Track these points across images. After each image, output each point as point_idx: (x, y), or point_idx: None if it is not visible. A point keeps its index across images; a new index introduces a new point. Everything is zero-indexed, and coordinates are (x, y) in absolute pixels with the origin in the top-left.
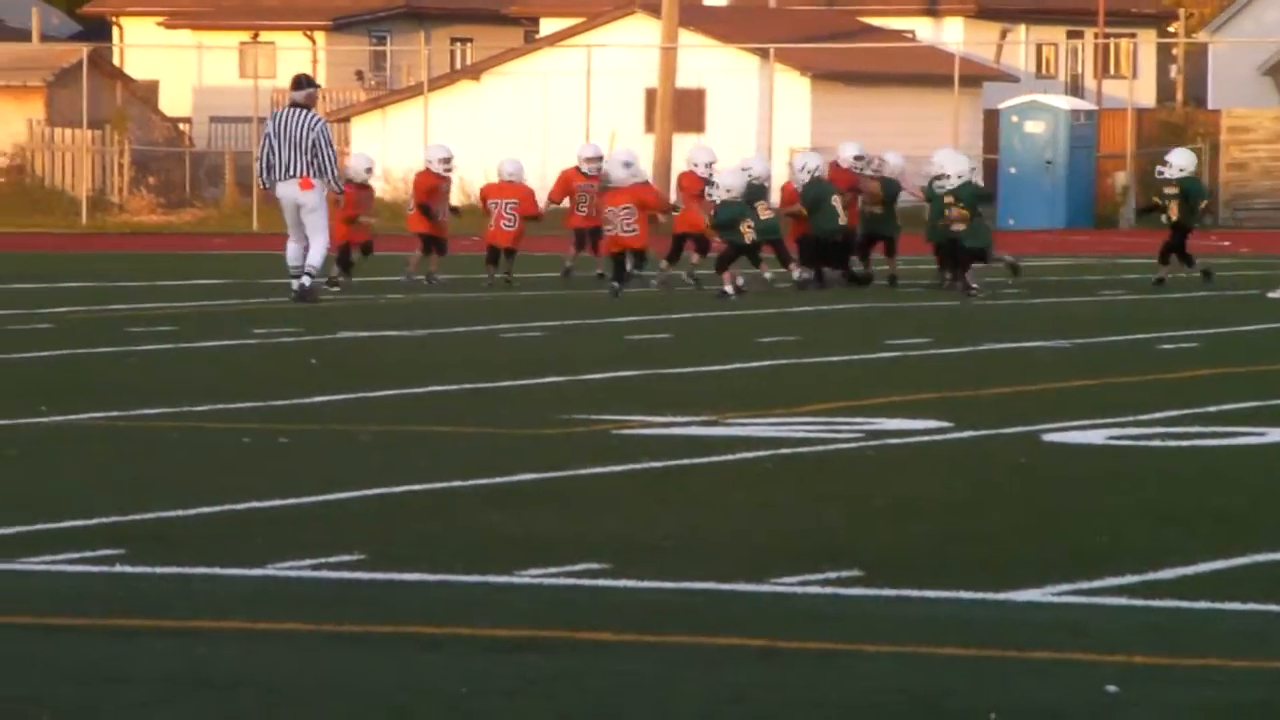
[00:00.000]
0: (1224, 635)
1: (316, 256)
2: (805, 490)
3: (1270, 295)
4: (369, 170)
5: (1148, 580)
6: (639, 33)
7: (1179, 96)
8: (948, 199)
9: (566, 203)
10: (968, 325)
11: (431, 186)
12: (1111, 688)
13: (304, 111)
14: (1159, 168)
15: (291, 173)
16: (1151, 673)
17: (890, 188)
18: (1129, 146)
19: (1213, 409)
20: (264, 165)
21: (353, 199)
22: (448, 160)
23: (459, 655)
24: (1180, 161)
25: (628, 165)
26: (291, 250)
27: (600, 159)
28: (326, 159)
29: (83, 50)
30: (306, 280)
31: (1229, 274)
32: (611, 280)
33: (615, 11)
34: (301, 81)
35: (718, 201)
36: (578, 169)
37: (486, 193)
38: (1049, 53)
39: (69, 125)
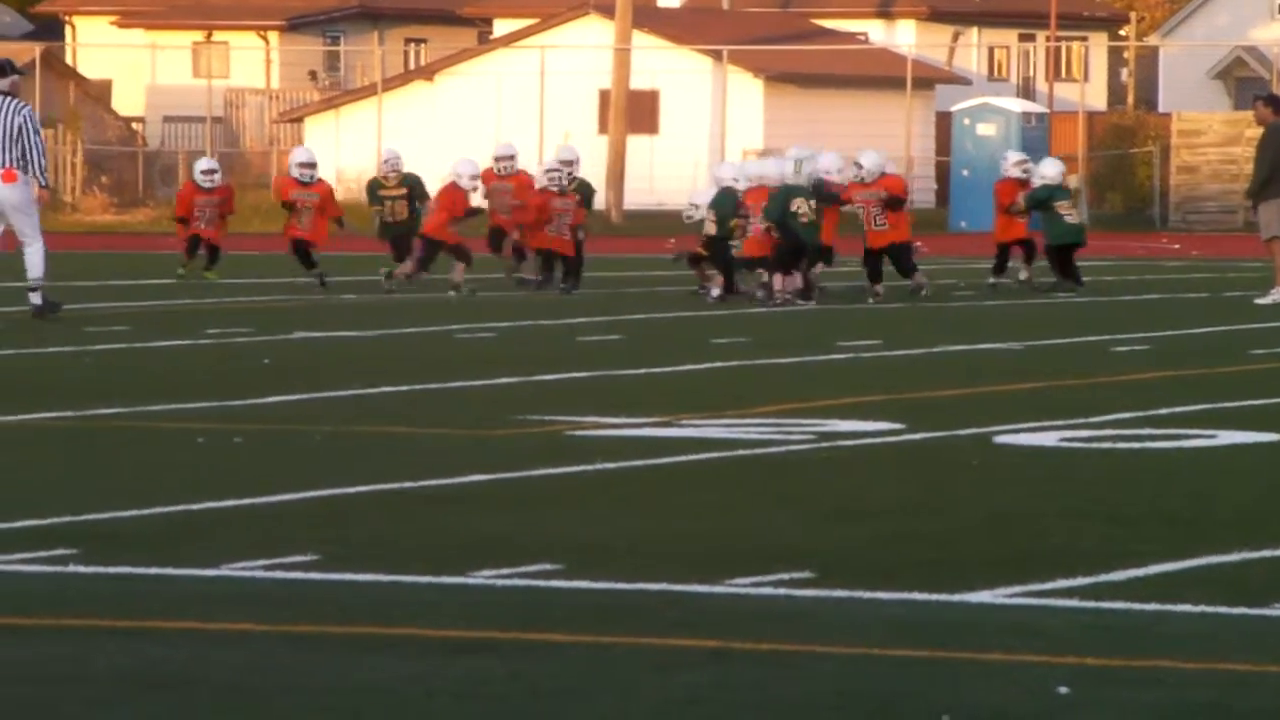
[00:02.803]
0: (1174, 637)
1: (36, 265)
2: (758, 492)
3: (1258, 301)
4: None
5: (1099, 582)
6: (593, 34)
7: (1130, 100)
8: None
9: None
10: (919, 327)
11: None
12: (1063, 689)
13: (7, 99)
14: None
15: None
16: (1102, 674)
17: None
18: (1080, 149)
19: (1164, 411)
20: None
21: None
22: (476, 177)
23: (412, 656)
24: (1049, 171)
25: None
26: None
27: (513, 158)
28: (33, 148)
29: (35, 49)
30: (37, 298)
31: (1180, 277)
32: (560, 280)
33: (569, 13)
34: (4, 68)
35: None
36: (493, 169)
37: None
38: (1001, 55)
39: None
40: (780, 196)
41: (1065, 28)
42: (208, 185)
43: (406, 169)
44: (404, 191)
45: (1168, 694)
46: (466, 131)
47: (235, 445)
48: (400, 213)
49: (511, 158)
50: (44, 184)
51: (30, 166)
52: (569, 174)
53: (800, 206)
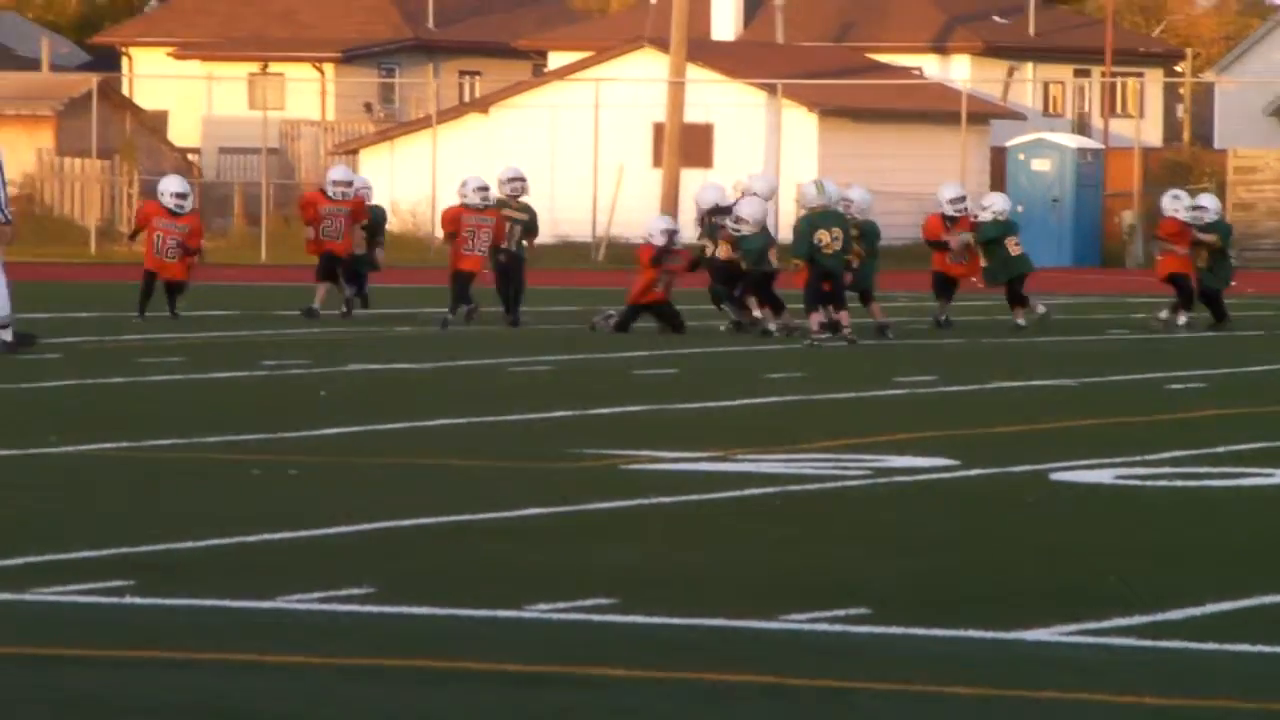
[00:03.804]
0: (1232, 677)
1: (2, 302)
2: (813, 527)
3: None
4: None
5: (1155, 621)
6: (647, 67)
7: (1185, 136)
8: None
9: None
10: (975, 363)
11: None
12: None
13: None
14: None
15: None
16: (1159, 713)
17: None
18: (1135, 185)
19: (1221, 449)
20: None
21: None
22: (485, 189)
23: (468, 689)
24: (1000, 206)
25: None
26: None
27: (486, 189)
28: None
29: (92, 80)
30: (8, 335)
31: (1236, 315)
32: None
33: (624, 46)
34: None
35: (741, 233)
36: (463, 204)
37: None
38: (1056, 91)
39: (78, 155)
40: (803, 229)
41: (1121, 63)
42: (174, 208)
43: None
44: (364, 220)
45: None
46: (521, 164)
47: (290, 477)
48: (354, 240)
49: (486, 188)
50: (6, 219)
51: None
52: (487, 198)
53: (824, 237)
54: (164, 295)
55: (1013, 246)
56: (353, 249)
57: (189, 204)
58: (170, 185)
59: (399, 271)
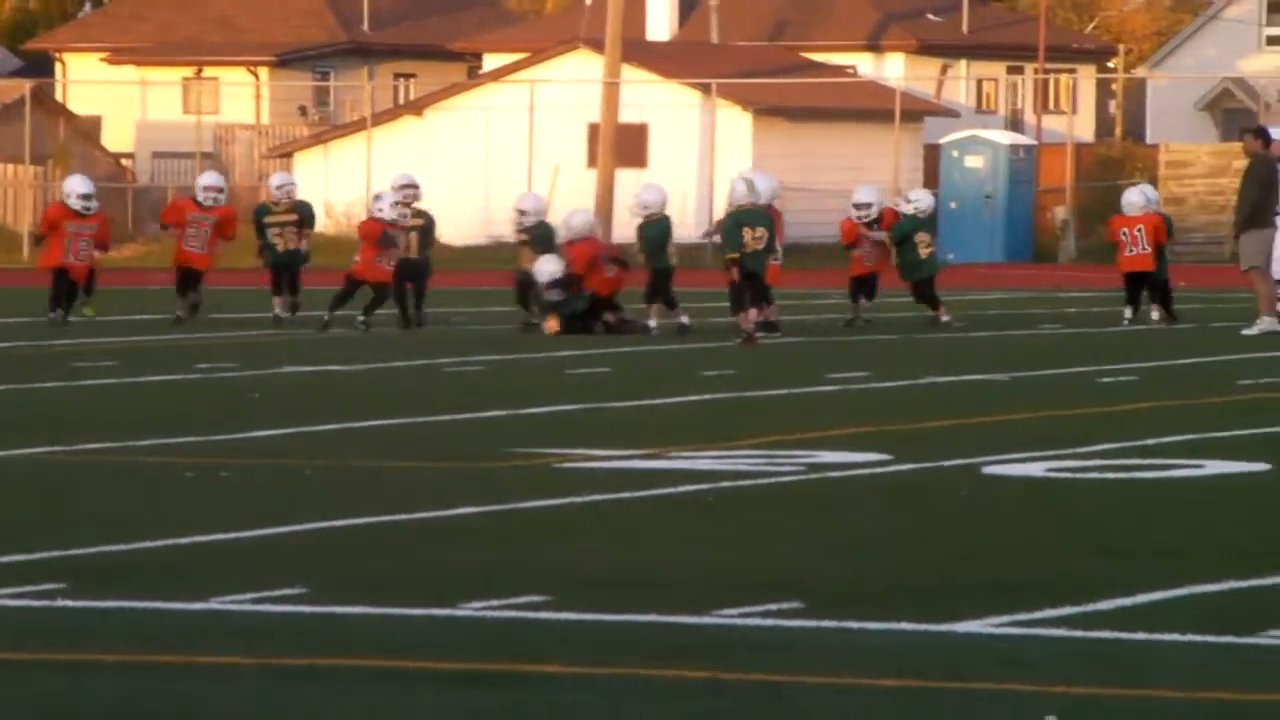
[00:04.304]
0: (1162, 666)
1: None
2: (747, 523)
3: (1245, 332)
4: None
5: (1087, 611)
6: (582, 68)
7: (1118, 131)
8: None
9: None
10: (907, 359)
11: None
12: (1051, 718)
13: None
14: (902, 205)
15: None
16: (1091, 703)
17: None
18: (1068, 181)
19: (1151, 441)
20: None
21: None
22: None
23: (403, 689)
24: (924, 203)
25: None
26: None
27: (221, 190)
28: None
29: (25, 86)
30: None
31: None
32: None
33: (558, 47)
34: None
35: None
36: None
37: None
38: (989, 88)
39: (11, 161)
40: (730, 226)
41: (1053, 60)
42: (82, 209)
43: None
44: (294, 218)
45: None
46: (456, 166)
47: (223, 479)
48: (289, 241)
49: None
50: None
51: None
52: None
53: (747, 235)
54: (66, 295)
55: (922, 247)
56: (212, 263)
57: (95, 204)
58: (75, 186)
59: (333, 274)
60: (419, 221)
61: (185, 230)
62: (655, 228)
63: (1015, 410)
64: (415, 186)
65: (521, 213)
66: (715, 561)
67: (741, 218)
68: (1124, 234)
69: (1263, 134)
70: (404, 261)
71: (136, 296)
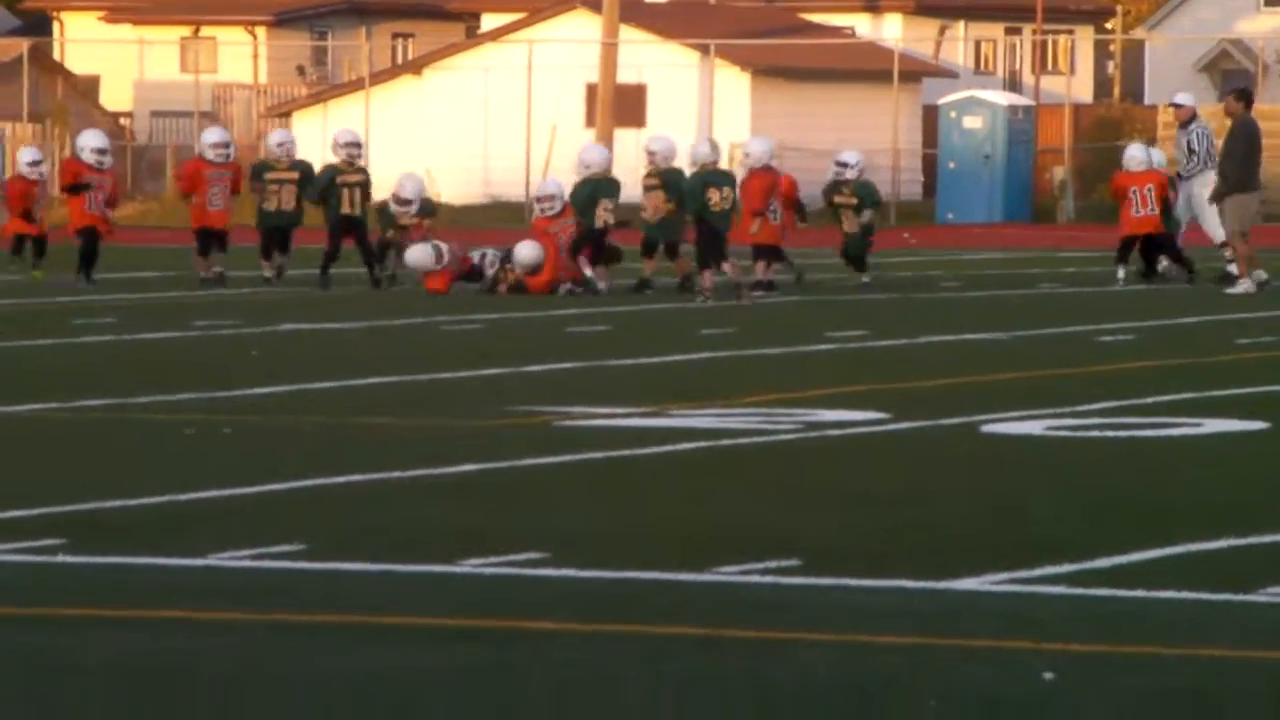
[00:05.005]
0: (1159, 623)
1: None
2: (746, 481)
3: (1228, 291)
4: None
5: (1084, 569)
6: (580, 28)
7: (1116, 92)
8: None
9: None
10: (906, 318)
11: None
12: (1048, 675)
13: None
14: (837, 169)
15: None
16: (1088, 660)
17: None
18: (1066, 142)
19: (1150, 400)
20: None
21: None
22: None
23: (401, 645)
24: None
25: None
26: None
27: (227, 145)
28: None
29: (23, 45)
30: None
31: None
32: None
33: (556, 7)
34: None
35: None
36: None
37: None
38: (987, 49)
39: (9, 119)
40: (697, 186)
41: (1051, 21)
42: (33, 176)
43: (395, 163)
44: (294, 176)
45: (1151, 680)
46: (454, 125)
47: (223, 436)
48: (286, 200)
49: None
50: None
51: None
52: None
53: (714, 195)
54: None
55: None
56: (228, 221)
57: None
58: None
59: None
60: (360, 178)
61: (208, 191)
62: (587, 187)
63: (1014, 369)
64: (359, 145)
65: (651, 153)
66: (713, 519)
67: (708, 177)
68: (1134, 193)
69: (1245, 95)
70: (345, 219)
71: (137, 255)
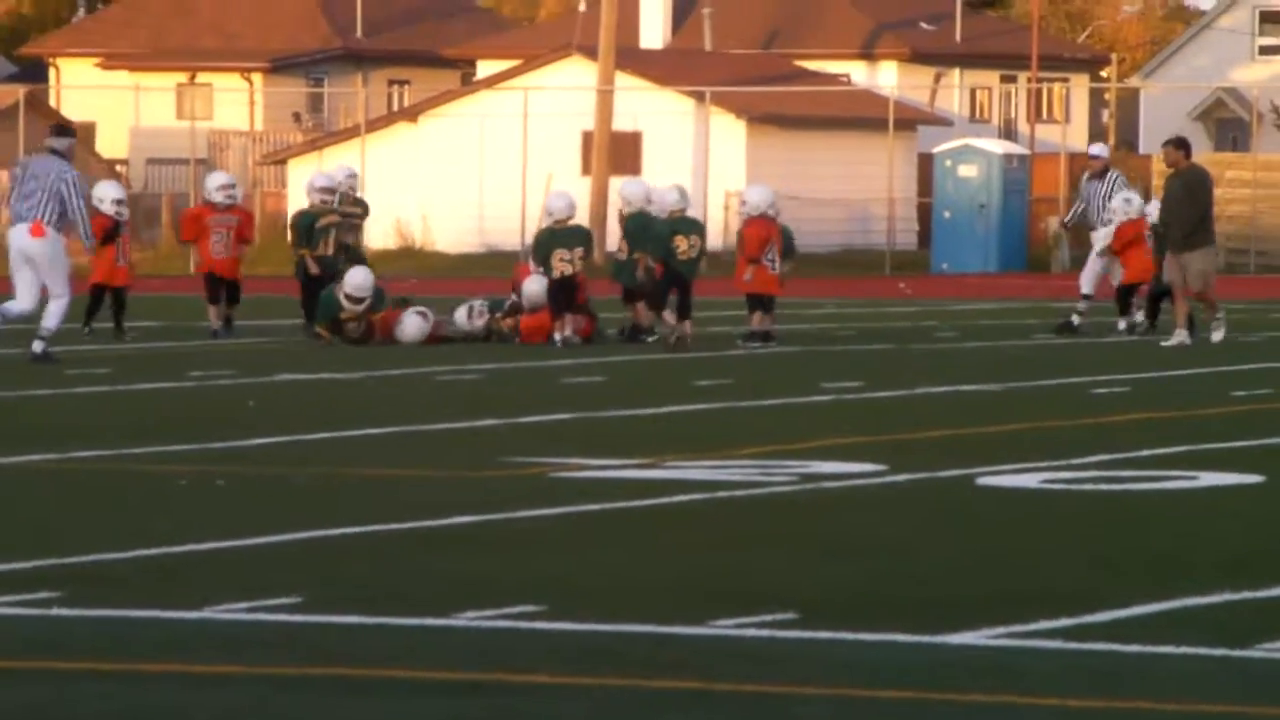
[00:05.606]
0: (1156, 678)
1: (54, 317)
2: (741, 533)
3: (1163, 344)
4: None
5: (1081, 623)
6: (576, 75)
7: (1111, 141)
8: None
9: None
10: (902, 369)
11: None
12: None
13: (58, 160)
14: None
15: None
16: (1084, 715)
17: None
18: (1061, 190)
19: (1145, 453)
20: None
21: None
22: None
23: (397, 698)
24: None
25: None
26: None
27: (234, 187)
28: (77, 211)
29: (19, 92)
30: (39, 347)
31: (1162, 319)
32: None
33: (552, 54)
34: (65, 130)
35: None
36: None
37: None
38: (983, 97)
39: (4, 166)
40: (664, 232)
41: (1047, 69)
42: (117, 215)
43: (391, 209)
44: (358, 210)
45: None
46: (450, 172)
47: (218, 487)
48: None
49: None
50: (89, 246)
51: (78, 229)
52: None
53: (681, 243)
54: (110, 307)
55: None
56: (239, 270)
57: (126, 210)
58: (110, 191)
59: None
60: (337, 219)
61: (210, 236)
62: (544, 235)
63: (1009, 421)
64: (332, 191)
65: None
66: (709, 572)
67: (677, 225)
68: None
69: (1183, 145)
70: (320, 259)
71: (132, 304)
